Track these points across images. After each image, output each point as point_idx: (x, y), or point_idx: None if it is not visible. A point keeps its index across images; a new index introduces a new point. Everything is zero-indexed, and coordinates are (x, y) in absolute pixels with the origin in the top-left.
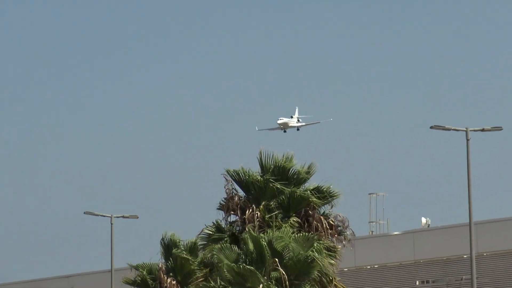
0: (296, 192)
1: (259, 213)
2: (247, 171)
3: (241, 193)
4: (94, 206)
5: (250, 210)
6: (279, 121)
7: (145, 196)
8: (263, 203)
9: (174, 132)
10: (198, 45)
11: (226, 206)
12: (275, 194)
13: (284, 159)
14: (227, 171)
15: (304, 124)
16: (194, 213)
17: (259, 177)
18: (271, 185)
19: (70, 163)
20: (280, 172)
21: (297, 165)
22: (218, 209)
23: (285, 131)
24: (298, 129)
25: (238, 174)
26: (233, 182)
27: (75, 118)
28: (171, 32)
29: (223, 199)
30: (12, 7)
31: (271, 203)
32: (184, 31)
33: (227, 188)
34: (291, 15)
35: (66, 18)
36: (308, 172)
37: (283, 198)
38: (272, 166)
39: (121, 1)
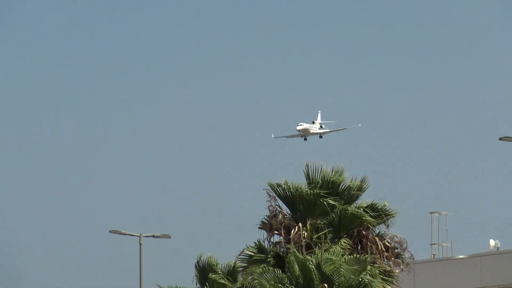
0: (348, 210)
1: (306, 233)
2: (292, 185)
3: (286, 210)
4: (121, 224)
5: (296, 229)
6: (298, 127)
7: (177, 214)
8: (310, 222)
9: (209, 145)
10: (222, 62)
11: (269, 225)
12: (324, 211)
13: (333, 173)
14: (270, 185)
15: (328, 130)
16: (233, 233)
17: (307, 192)
18: (320, 201)
19: (96, 178)
20: (330, 187)
21: (348, 179)
22: (260, 228)
23: (305, 139)
24: (320, 137)
25: (282, 188)
26: (276, 197)
27: (102, 135)
28: (192, 48)
29: (266, 217)
30: (13, 7)
31: (320, 222)
32: (217, 46)
33: (270, 205)
34: (311, 18)
35: (66, 18)
36: (360, 188)
37: (333, 216)
38: (320, 181)
39: (122, 1)
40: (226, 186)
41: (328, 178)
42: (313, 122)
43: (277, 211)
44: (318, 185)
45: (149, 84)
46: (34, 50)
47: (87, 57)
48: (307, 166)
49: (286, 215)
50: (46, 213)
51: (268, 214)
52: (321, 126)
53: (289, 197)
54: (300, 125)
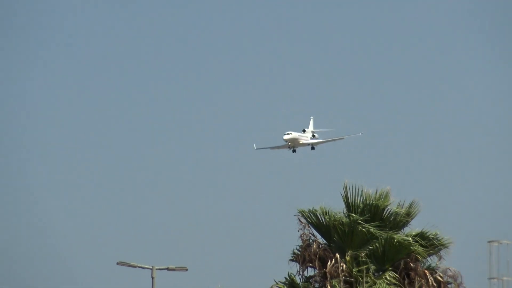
0: (394, 239)
1: (344, 266)
2: (327, 211)
3: (321, 239)
4: (130, 256)
5: (333, 261)
6: (286, 137)
7: (194, 245)
8: (349, 253)
9: (229, 169)
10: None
11: (302, 257)
12: (366, 240)
13: (377, 196)
14: (301, 212)
15: (321, 140)
16: (259, 266)
17: (344, 219)
18: (360, 228)
19: (105, 205)
20: (372, 213)
21: (394, 203)
22: (291, 260)
23: (294, 151)
24: (313, 148)
25: (315, 215)
26: (309, 225)
27: (118, 159)
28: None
29: (298, 248)
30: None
31: (361, 253)
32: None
33: (303, 233)
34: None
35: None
36: (408, 213)
37: (376, 246)
38: (361, 205)
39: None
40: (249, 213)
41: (371, 202)
42: (304, 131)
43: (310, 240)
44: (359, 210)
45: (157, 102)
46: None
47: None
48: (345, 187)
49: (321, 245)
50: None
51: (300, 244)
52: (313, 135)
53: (323, 224)
54: (288, 134)
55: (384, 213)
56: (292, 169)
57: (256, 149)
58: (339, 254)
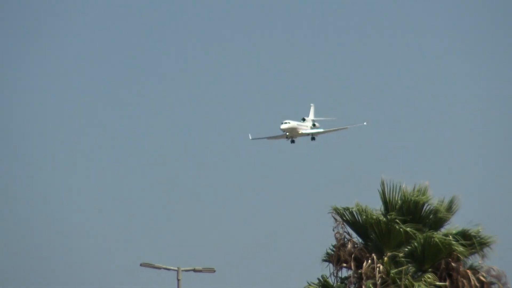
0: (434, 237)
1: (381, 266)
2: (364, 209)
3: (357, 238)
4: (155, 257)
5: (369, 261)
6: (283, 126)
7: (222, 245)
8: (387, 253)
9: (257, 166)
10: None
11: (336, 257)
12: (404, 239)
13: (415, 192)
14: (335, 210)
15: (322, 130)
16: (291, 266)
17: (381, 217)
18: (398, 227)
19: (128, 206)
20: (411, 210)
21: (434, 199)
22: (324, 260)
23: (292, 141)
24: (313, 138)
25: (351, 213)
26: (344, 224)
27: (142, 161)
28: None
29: (332, 247)
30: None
31: (399, 252)
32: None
33: (337, 232)
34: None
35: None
36: (449, 210)
37: (415, 245)
38: (399, 202)
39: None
40: (280, 211)
41: (409, 198)
42: (304, 119)
43: (345, 240)
44: (397, 207)
45: (167, 105)
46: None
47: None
48: (383, 183)
49: (356, 244)
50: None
51: (334, 243)
52: (314, 125)
53: (359, 222)
54: (286, 123)
55: (423, 210)
56: (318, 163)
57: (252, 139)
58: (376, 254)
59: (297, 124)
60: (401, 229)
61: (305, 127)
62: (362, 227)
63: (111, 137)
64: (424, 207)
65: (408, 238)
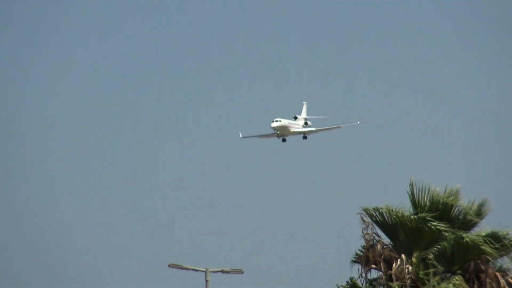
0: (463, 238)
1: (410, 267)
2: (394, 210)
3: (386, 239)
4: (183, 258)
5: (398, 262)
6: (274, 124)
7: (250, 247)
8: (416, 253)
9: (281, 168)
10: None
11: (365, 258)
12: (434, 240)
13: (446, 194)
14: (365, 210)
15: (314, 129)
16: (319, 268)
17: (411, 217)
18: (428, 227)
19: (155, 208)
20: (441, 211)
21: (464, 201)
22: (353, 261)
23: (284, 140)
24: (305, 137)
25: (380, 213)
26: (373, 224)
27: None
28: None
29: (361, 248)
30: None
31: (428, 253)
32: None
33: (366, 233)
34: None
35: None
36: (479, 212)
37: (445, 246)
38: (428, 203)
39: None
40: (307, 212)
41: (438, 200)
42: (295, 118)
43: (374, 241)
44: (426, 208)
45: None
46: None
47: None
48: (412, 184)
49: (386, 245)
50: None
51: (363, 244)
52: (306, 123)
53: (389, 223)
54: (277, 121)
55: (452, 211)
56: (341, 162)
57: (242, 137)
58: (405, 255)
59: (288, 123)
60: (431, 228)
61: (297, 126)
62: (391, 228)
63: (114, 137)
64: (454, 208)
65: (437, 238)
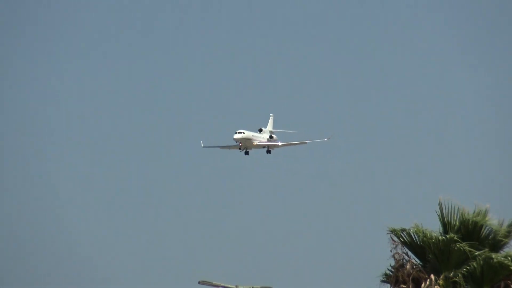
0: (492, 258)
1: (438, 287)
2: (421, 230)
3: (415, 259)
4: (211, 273)
5: (427, 282)
6: (236, 136)
7: (279, 264)
8: (444, 274)
9: (307, 185)
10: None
11: (395, 277)
12: (463, 260)
13: (475, 213)
14: (393, 231)
15: (280, 144)
16: (348, 287)
17: (440, 237)
18: (457, 247)
19: (183, 224)
20: (470, 231)
21: (494, 221)
22: (382, 281)
23: (247, 153)
24: (269, 152)
25: (408, 234)
26: (402, 245)
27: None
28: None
29: (390, 268)
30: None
31: (457, 273)
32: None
33: (396, 253)
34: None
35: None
36: (508, 233)
37: (474, 266)
38: (457, 223)
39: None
40: (334, 231)
41: (468, 219)
42: (260, 130)
43: (404, 260)
44: (455, 228)
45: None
46: None
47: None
48: (440, 204)
49: (415, 265)
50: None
51: (392, 263)
52: (271, 137)
53: (417, 243)
54: (239, 132)
55: (482, 231)
56: (371, 182)
57: (203, 147)
58: (434, 275)
59: (252, 135)
60: (460, 249)
61: (261, 139)
62: (420, 248)
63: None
64: (483, 228)
65: (466, 259)
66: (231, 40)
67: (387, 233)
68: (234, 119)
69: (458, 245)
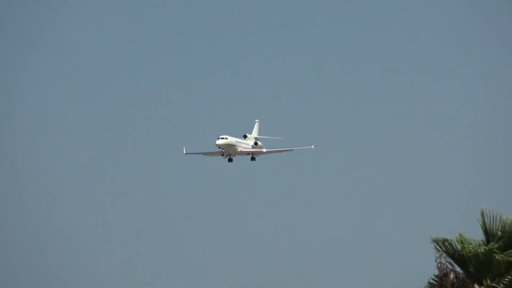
0: None
1: None
2: (463, 240)
3: (458, 268)
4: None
5: None
6: (219, 142)
7: (318, 275)
8: (486, 283)
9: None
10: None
11: (438, 286)
12: (504, 269)
13: None
14: (435, 241)
15: (264, 151)
16: None
17: (482, 248)
18: (498, 257)
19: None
20: None
21: None
22: None
23: (230, 160)
24: (253, 159)
25: (450, 244)
26: (445, 254)
27: None
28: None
29: (434, 277)
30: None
31: (499, 283)
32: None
33: (439, 262)
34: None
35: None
36: None
37: None
38: (499, 232)
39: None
40: (375, 240)
41: (510, 229)
42: (245, 136)
43: (447, 270)
44: (497, 237)
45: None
46: None
47: None
48: (482, 214)
49: (459, 274)
50: None
51: (436, 273)
52: (255, 143)
53: (458, 253)
54: (222, 138)
55: None
56: (411, 191)
57: (186, 153)
58: (477, 285)
59: (235, 141)
60: (501, 259)
61: (245, 145)
62: (462, 258)
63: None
64: None
65: (508, 268)
66: (216, 45)
67: (430, 242)
68: (218, 125)
69: (497, 257)
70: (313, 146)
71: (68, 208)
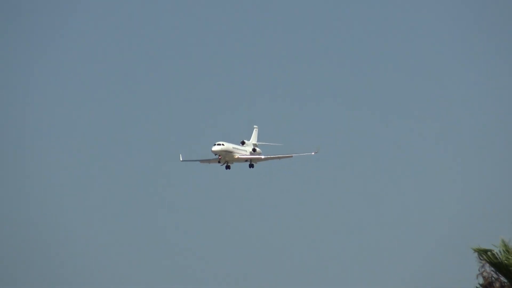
0: None
1: None
2: (505, 250)
3: (503, 277)
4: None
5: None
6: (215, 148)
7: (348, 283)
8: None
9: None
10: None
11: None
12: None
13: None
14: (477, 251)
15: (263, 157)
16: None
17: None
18: None
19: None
20: None
21: None
22: None
23: (228, 167)
24: (251, 166)
25: (493, 254)
26: (489, 264)
27: None
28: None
29: (479, 286)
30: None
31: None
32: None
33: (484, 271)
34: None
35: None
36: None
37: None
38: None
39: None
40: (417, 247)
41: None
42: (243, 143)
43: (492, 279)
44: None
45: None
46: None
47: None
48: None
49: (504, 283)
50: None
51: (481, 282)
52: (254, 150)
53: (502, 263)
54: (218, 144)
55: None
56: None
57: (182, 161)
58: None
59: (233, 147)
60: None
61: (243, 152)
62: (506, 268)
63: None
64: None
65: None
66: (214, 51)
67: (474, 252)
68: (216, 131)
69: None
70: (313, 153)
71: (67, 211)
